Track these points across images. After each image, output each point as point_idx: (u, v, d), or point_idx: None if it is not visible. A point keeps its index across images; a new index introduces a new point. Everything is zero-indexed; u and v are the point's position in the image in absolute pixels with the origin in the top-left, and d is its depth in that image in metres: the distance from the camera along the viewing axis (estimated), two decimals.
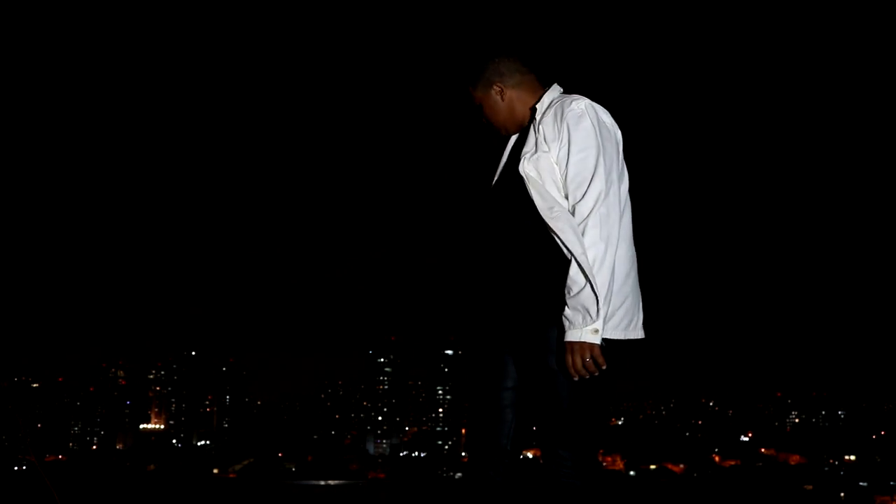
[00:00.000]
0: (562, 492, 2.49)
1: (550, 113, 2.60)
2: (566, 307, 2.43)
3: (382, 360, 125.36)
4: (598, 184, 2.45)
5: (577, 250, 2.40)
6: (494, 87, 2.71)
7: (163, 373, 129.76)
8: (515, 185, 2.60)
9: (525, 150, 2.59)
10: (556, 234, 2.46)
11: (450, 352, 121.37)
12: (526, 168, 2.55)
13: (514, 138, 2.79)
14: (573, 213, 2.47)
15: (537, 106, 2.67)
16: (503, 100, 2.71)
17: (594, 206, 2.44)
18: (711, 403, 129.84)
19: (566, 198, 2.51)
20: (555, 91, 2.70)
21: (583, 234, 2.43)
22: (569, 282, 2.42)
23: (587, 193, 2.45)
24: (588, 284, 2.39)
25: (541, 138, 2.56)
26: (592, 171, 2.47)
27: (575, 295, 2.40)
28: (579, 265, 2.40)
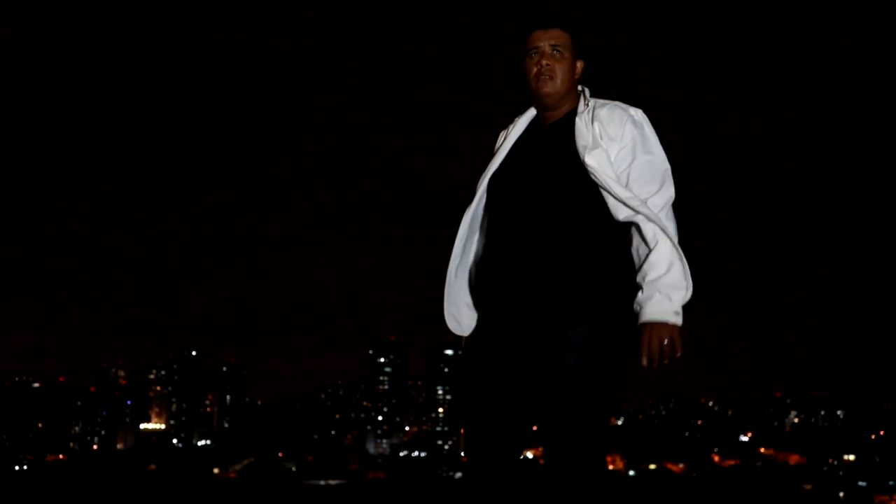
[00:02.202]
0: (564, 492, 2.45)
1: (604, 112, 2.54)
2: (646, 286, 2.39)
3: (382, 360, 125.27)
4: (671, 186, 2.47)
5: (668, 232, 2.40)
6: (580, 61, 2.61)
7: (163, 373, 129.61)
8: (558, 176, 2.50)
9: (581, 143, 2.48)
10: (642, 217, 2.41)
11: (450, 352, 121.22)
12: (590, 161, 2.46)
13: (521, 128, 2.68)
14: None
15: (587, 104, 2.60)
16: (575, 74, 2.60)
17: (667, 202, 2.45)
18: (711, 403, 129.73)
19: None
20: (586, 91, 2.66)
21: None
22: (653, 261, 2.39)
23: (660, 192, 2.45)
24: (680, 264, 2.39)
25: (596, 134, 2.50)
26: (662, 172, 2.48)
27: (663, 275, 2.38)
28: (672, 245, 2.39)
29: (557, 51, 2.54)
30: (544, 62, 2.53)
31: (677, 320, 2.36)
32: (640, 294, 2.40)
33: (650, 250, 2.40)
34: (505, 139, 2.68)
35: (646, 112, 2.58)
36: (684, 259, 2.41)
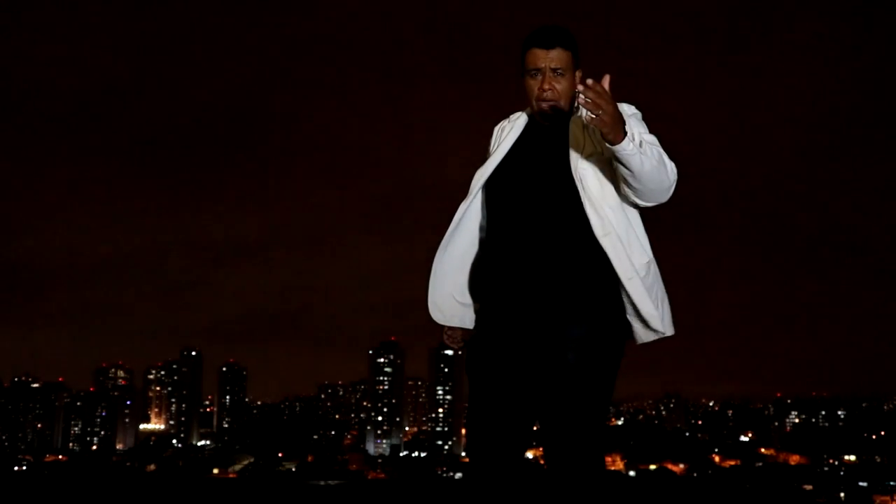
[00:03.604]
0: (564, 492, 2.47)
1: None
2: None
3: (382, 360, 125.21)
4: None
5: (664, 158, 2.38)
6: (579, 71, 2.58)
7: (163, 373, 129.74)
8: (555, 180, 2.52)
9: (576, 148, 2.51)
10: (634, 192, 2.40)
11: (450, 352, 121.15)
12: (581, 172, 2.48)
13: (518, 129, 2.67)
14: None
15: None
16: (575, 87, 2.55)
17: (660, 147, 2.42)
18: (711, 403, 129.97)
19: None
20: None
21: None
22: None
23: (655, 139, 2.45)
24: (663, 160, 2.36)
25: (591, 133, 2.50)
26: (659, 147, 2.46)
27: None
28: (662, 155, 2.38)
29: (559, 73, 2.53)
30: (546, 87, 2.53)
31: (624, 137, 2.25)
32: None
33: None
34: (502, 140, 2.68)
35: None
36: (668, 163, 2.37)
